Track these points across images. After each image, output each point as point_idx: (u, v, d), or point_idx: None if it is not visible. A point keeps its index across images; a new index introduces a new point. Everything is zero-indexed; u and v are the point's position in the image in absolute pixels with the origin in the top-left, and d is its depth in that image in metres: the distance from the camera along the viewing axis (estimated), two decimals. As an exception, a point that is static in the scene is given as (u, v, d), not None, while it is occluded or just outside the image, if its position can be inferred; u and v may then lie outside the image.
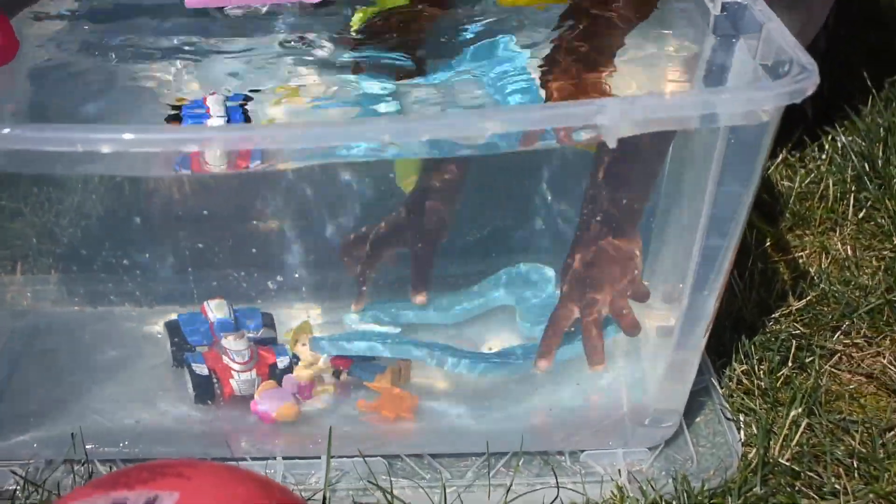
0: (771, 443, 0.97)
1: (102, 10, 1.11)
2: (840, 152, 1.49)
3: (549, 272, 1.13)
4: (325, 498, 0.90)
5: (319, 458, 0.96)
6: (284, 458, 0.98)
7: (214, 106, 0.94)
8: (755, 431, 0.99)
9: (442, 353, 1.04)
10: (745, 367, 1.07)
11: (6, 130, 0.73)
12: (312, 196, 1.19)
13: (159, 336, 1.13)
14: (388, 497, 0.90)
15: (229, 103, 0.96)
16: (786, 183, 1.44)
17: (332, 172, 1.20)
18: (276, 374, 1.05)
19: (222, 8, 1.04)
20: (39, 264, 1.24)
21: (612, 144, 0.75)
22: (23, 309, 1.19)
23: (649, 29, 1.00)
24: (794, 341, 1.11)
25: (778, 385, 1.06)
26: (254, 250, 1.19)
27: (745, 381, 1.06)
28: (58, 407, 1.04)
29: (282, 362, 1.05)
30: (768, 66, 0.83)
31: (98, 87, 1.00)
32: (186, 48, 1.03)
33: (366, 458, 0.95)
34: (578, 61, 0.97)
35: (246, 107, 0.98)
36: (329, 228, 1.21)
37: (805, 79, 0.75)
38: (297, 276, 1.21)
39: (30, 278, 1.22)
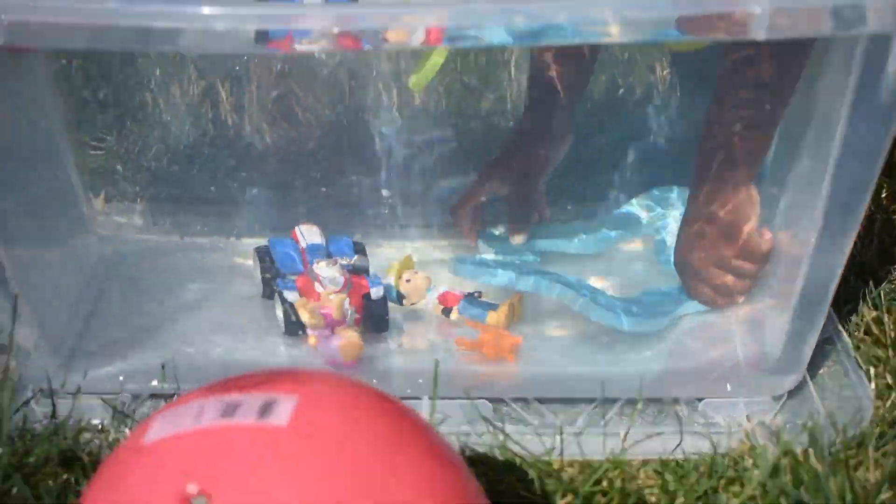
0: (907, 394, 0.89)
1: None
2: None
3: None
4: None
5: (420, 398, 0.90)
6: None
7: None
8: (889, 382, 0.92)
9: (592, 296, 0.98)
10: (874, 314, 0.99)
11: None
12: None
13: (249, 266, 1.08)
14: (502, 437, 0.84)
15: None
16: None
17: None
18: (370, 304, 0.99)
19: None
20: (126, 191, 1.21)
21: (761, 36, 0.67)
22: (109, 235, 1.15)
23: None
24: (926, 290, 1.03)
25: (910, 335, 0.98)
26: (352, 179, 1.14)
27: (874, 329, 0.98)
28: (144, 338, 0.99)
29: (376, 292, 0.99)
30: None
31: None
32: None
33: (471, 400, 0.89)
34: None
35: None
36: (424, 165, 1.16)
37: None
38: (388, 211, 1.16)
39: (116, 206, 1.19)
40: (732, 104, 0.94)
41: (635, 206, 1.12)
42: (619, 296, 1.01)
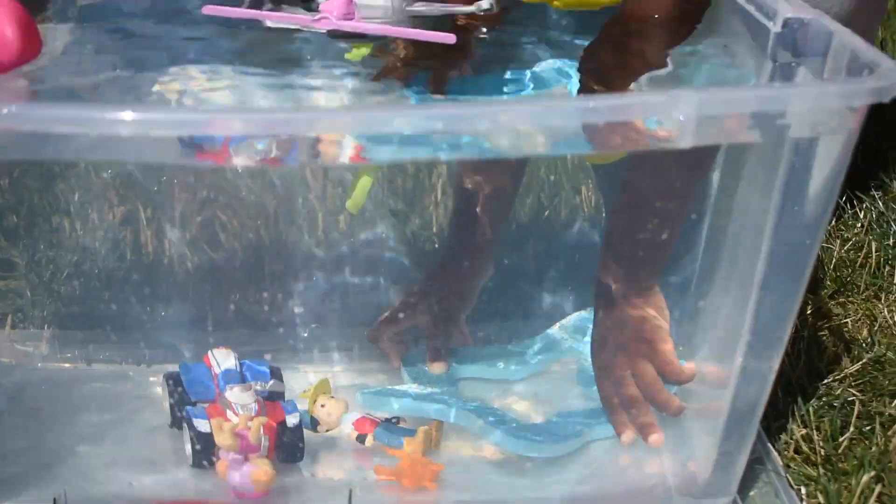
0: (840, 515, 0.87)
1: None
2: (876, 220, 1.42)
3: None
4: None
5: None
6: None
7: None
8: (821, 501, 0.89)
9: (496, 421, 0.96)
10: (804, 431, 0.97)
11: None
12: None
13: (158, 395, 1.03)
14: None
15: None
16: (825, 246, 1.36)
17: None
18: (284, 432, 0.94)
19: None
20: (31, 318, 1.16)
21: (686, 144, 0.66)
22: (9, 364, 1.09)
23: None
24: (852, 407, 1.01)
25: (839, 452, 0.95)
26: (264, 304, 1.11)
27: (804, 447, 0.96)
28: (43, 471, 0.94)
29: (292, 419, 0.95)
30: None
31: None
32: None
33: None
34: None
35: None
36: (340, 282, 1.13)
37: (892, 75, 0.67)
38: (306, 334, 1.13)
39: (19, 333, 1.14)
40: (634, 205, 0.92)
41: (557, 330, 1.10)
42: (530, 420, 0.98)
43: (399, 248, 1.18)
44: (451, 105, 0.80)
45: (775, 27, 0.82)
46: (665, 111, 0.67)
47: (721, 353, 0.91)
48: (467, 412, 0.97)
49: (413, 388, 1.01)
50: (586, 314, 1.09)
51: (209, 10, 0.87)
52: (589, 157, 1.09)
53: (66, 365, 1.12)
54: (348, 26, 0.86)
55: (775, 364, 0.85)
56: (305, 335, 1.13)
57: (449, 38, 0.82)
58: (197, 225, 1.17)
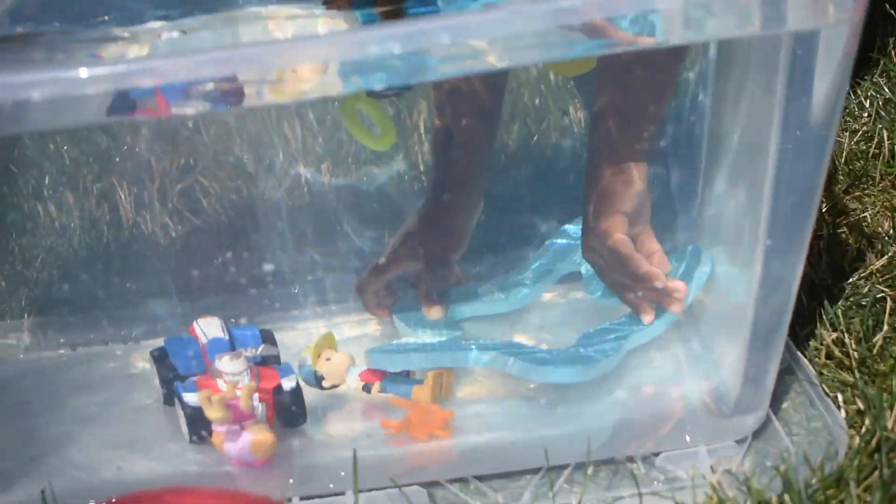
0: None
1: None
2: (883, 107, 1.35)
3: None
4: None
5: (344, 493, 0.79)
6: (303, 499, 0.82)
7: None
8: (860, 407, 0.83)
9: (528, 355, 0.88)
10: (834, 335, 0.91)
11: None
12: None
13: (146, 372, 0.97)
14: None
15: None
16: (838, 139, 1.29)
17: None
18: (282, 397, 0.89)
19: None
20: (9, 309, 1.10)
21: (675, 40, 0.59)
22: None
23: None
24: (882, 304, 0.95)
25: (874, 353, 0.89)
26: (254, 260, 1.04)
27: (837, 352, 0.90)
28: (32, 465, 0.88)
29: (288, 383, 0.89)
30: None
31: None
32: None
33: (401, 489, 0.78)
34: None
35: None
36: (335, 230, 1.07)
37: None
38: (297, 290, 1.07)
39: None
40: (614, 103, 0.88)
41: (549, 250, 1.03)
42: (555, 348, 0.91)
43: (388, 191, 1.11)
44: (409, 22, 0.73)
45: None
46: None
47: (741, 261, 0.85)
48: (491, 352, 0.89)
49: (420, 338, 0.95)
50: (571, 227, 1.03)
51: None
52: (560, 69, 1.01)
53: (50, 353, 1.06)
54: None
55: (798, 269, 0.79)
56: (296, 291, 1.06)
57: None
58: (172, 191, 1.11)
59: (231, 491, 0.46)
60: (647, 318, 0.90)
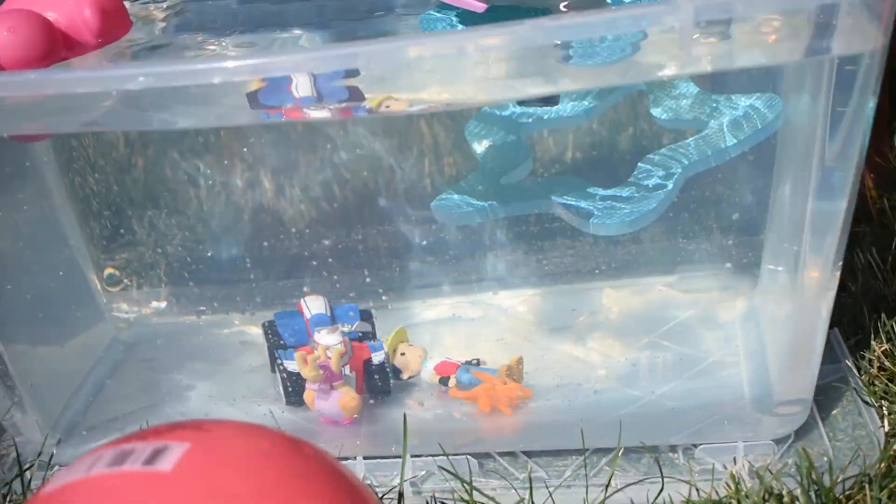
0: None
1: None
2: None
3: None
4: (401, 494, 0.82)
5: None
6: (366, 458, 0.92)
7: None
8: (901, 418, 0.87)
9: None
10: (885, 347, 0.95)
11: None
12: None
13: (259, 340, 1.09)
14: (469, 493, 0.82)
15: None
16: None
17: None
18: (371, 369, 0.99)
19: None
20: (148, 278, 1.23)
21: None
22: (127, 319, 1.18)
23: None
24: (944, 322, 0.98)
25: (923, 368, 0.93)
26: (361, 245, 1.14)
27: (888, 363, 0.94)
28: (149, 413, 1.01)
29: (377, 357, 0.99)
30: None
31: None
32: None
33: (452, 457, 0.87)
34: None
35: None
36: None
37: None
38: (398, 272, 1.16)
39: (138, 292, 1.22)
40: None
41: None
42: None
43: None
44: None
45: None
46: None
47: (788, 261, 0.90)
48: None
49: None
50: None
51: None
52: None
53: (179, 319, 1.19)
54: None
55: (834, 271, 0.83)
56: (397, 272, 1.16)
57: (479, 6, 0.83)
58: (293, 181, 1.22)
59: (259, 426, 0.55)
60: None
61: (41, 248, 1.07)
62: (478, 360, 1.01)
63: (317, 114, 0.80)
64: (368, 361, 1.00)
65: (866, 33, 0.71)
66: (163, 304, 1.21)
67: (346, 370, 0.98)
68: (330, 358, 0.97)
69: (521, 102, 0.99)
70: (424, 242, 1.15)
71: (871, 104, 0.75)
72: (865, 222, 1.17)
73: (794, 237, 0.87)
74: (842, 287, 0.93)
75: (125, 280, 1.22)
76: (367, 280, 1.13)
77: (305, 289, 1.10)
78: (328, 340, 0.99)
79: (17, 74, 0.76)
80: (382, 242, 1.17)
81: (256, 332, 1.11)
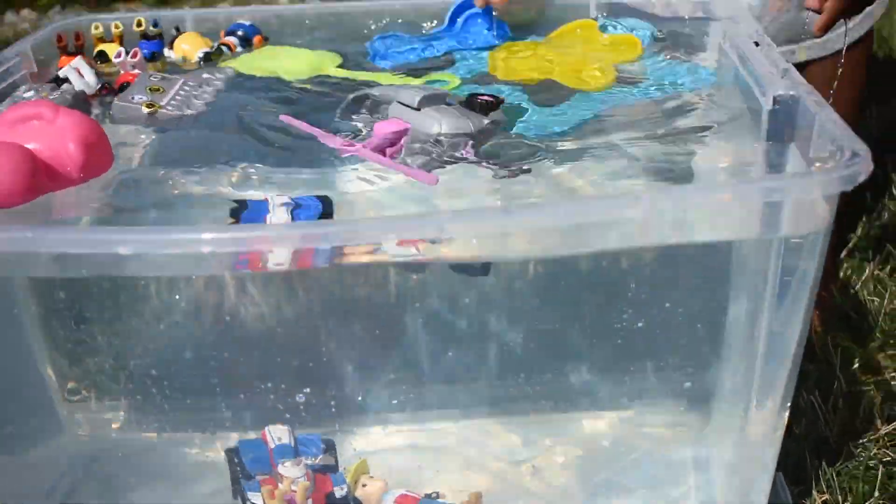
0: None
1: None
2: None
3: None
4: None
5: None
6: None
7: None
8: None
9: None
10: (825, 497, 0.99)
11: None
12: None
13: (222, 462, 1.10)
14: None
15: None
16: (875, 300, 1.36)
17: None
18: (333, 503, 1.01)
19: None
20: (108, 391, 1.24)
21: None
22: (86, 436, 1.18)
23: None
24: (882, 468, 1.02)
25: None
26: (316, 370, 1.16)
27: (829, 513, 0.99)
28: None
29: (339, 491, 1.01)
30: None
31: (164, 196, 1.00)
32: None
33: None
34: None
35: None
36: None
37: (856, 164, 0.71)
38: (360, 398, 1.18)
39: (97, 404, 1.22)
40: None
41: None
42: None
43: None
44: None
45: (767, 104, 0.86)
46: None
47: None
48: None
49: None
50: None
51: (284, 118, 0.99)
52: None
53: (138, 434, 1.19)
54: (365, 154, 0.95)
55: (782, 412, 0.88)
56: (360, 399, 1.18)
57: (431, 179, 0.89)
58: (259, 301, 1.24)
59: None
60: None
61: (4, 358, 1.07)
62: (437, 492, 1.03)
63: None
64: (331, 494, 1.02)
65: (812, 218, 0.77)
66: (121, 417, 1.21)
67: (309, 503, 1.00)
68: (294, 491, 0.99)
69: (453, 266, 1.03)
70: (388, 370, 1.17)
71: (816, 274, 0.81)
72: (810, 360, 1.22)
73: (745, 380, 0.92)
74: (787, 429, 0.98)
75: (84, 391, 1.22)
76: (332, 407, 1.15)
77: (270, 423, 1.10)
78: (293, 473, 1.01)
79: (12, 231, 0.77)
80: (345, 368, 1.19)
81: (217, 454, 1.12)
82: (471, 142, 0.94)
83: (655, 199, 0.74)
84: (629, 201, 0.74)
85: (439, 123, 0.94)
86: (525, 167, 0.91)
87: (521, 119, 1.03)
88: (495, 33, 1.25)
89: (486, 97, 0.99)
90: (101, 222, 0.92)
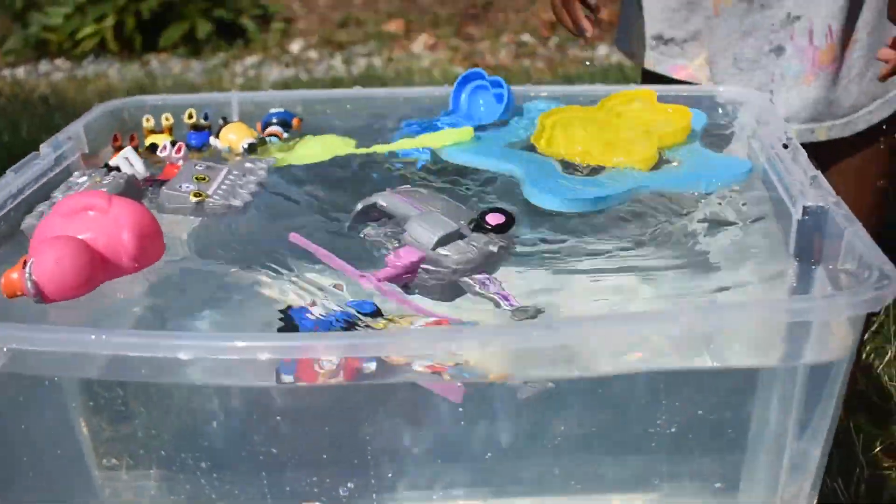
0: None
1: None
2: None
3: None
4: None
5: None
6: None
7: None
8: None
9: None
10: None
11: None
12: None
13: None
14: None
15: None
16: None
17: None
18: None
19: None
20: (141, 461, 1.25)
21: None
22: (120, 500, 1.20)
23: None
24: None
25: None
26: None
27: None
28: None
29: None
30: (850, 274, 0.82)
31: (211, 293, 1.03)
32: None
33: None
34: None
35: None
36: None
37: (884, 287, 0.73)
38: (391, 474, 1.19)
39: (132, 474, 1.23)
40: None
41: None
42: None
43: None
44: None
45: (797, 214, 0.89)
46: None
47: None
48: None
49: None
50: None
51: (294, 238, 1.03)
52: None
53: (171, 505, 1.21)
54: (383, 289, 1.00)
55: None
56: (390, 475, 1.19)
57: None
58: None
59: None
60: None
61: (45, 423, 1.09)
62: None
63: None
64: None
65: (836, 344, 0.79)
66: (151, 489, 1.23)
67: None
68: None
69: None
70: (416, 449, 1.19)
71: (838, 401, 0.84)
72: (833, 444, 1.23)
73: (771, 481, 0.94)
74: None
75: (116, 460, 1.24)
76: (373, 482, 1.16)
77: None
78: (327, 552, 1.02)
79: (77, 332, 0.80)
80: (378, 446, 1.20)
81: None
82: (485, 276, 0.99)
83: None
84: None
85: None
86: (540, 309, 0.95)
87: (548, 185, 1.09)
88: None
89: (497, 216, 1.03)
90: (153, 316, 0.95)
